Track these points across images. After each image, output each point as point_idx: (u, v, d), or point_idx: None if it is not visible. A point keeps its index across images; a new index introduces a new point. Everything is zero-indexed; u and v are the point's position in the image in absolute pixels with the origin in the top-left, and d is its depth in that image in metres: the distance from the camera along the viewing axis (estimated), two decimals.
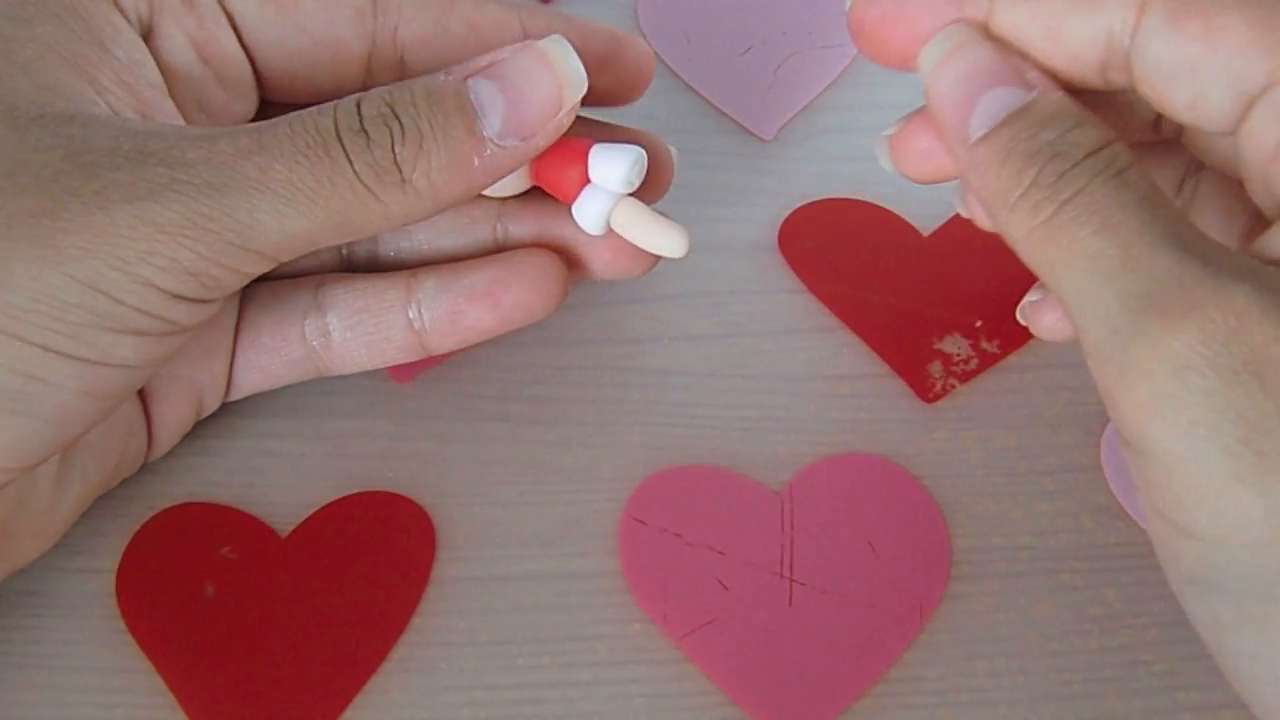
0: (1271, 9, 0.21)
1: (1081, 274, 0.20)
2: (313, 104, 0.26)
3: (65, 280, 0.20)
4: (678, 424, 0.30)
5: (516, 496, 0.29)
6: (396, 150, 0.22)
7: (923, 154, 0.24)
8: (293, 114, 0.23)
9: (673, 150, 0.28)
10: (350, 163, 0.22)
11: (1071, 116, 0.21)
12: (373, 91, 0.23)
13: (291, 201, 0.22)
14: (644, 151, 0.25)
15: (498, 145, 0.23)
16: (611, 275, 0.28)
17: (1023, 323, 0.28)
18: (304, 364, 0.28)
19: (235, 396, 0.28)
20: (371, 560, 0.28)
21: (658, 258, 0.27)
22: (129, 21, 0.24)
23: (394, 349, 0.28)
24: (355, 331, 0.27)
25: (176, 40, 0.25)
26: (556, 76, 0.23)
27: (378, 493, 0.29)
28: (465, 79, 0.23)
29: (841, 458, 0.30)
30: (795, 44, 0.38)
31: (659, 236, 0.25)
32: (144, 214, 0.21)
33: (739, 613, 0.27)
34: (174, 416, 0.27)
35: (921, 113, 0.25)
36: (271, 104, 0.27)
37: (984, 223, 0.25)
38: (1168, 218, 0.20)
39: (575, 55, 0.24)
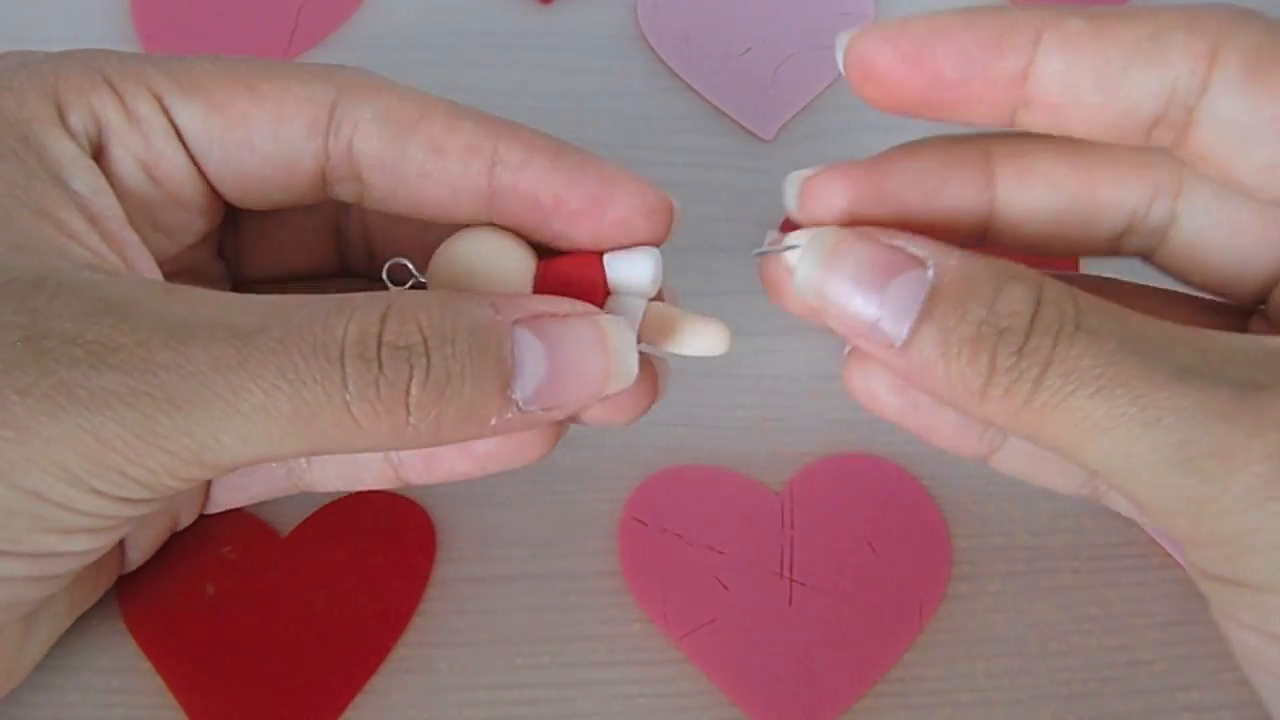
0: None
1: (1099, 443, 0.19)
2: (270, 211, 0.25)
3: (9, 490, 0.19)
4: (678, 424, 0.30)
5: (516, 496, 0.29)
6: (411, 391, 0.19)
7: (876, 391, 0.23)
8: (296, 307, 0.20)
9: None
10: (345, 391, 0.19)
11: (985, 279, 0.20)
12: (408, 303, 0.20)
13: (262, 426, 0.19)
14: (659, 251, 0.23)
15: (520, 410, 0.21)
16: (599, 421, 0.24)
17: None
18: (283, 482, 0.26)
19: (212, 510, 0.27)
20: (371, 560, 0.28)
21: (648, 403, 0.24)
22: (80, 147, 0.22)
23: (369, 477, 0.25)
24: (332, 459, 0.25)
25: (125, 163, 0.23)
26: (607, 363, 0.21)
27: (378, 493, 0.28)
28: (514, 323, 0.20)
29: (841, 458, 0.30)
30: (795, 44, 0.38)
31: (698, 337, 0.23)
32: (92, 427, 0.19)
33: (739, 613, 0.27)
34: (147, 538, 0.26)
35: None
36: (239, 210, 0.25)
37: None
38: (1157, 342, 0.19)
39: (634, 348, 0.22)
